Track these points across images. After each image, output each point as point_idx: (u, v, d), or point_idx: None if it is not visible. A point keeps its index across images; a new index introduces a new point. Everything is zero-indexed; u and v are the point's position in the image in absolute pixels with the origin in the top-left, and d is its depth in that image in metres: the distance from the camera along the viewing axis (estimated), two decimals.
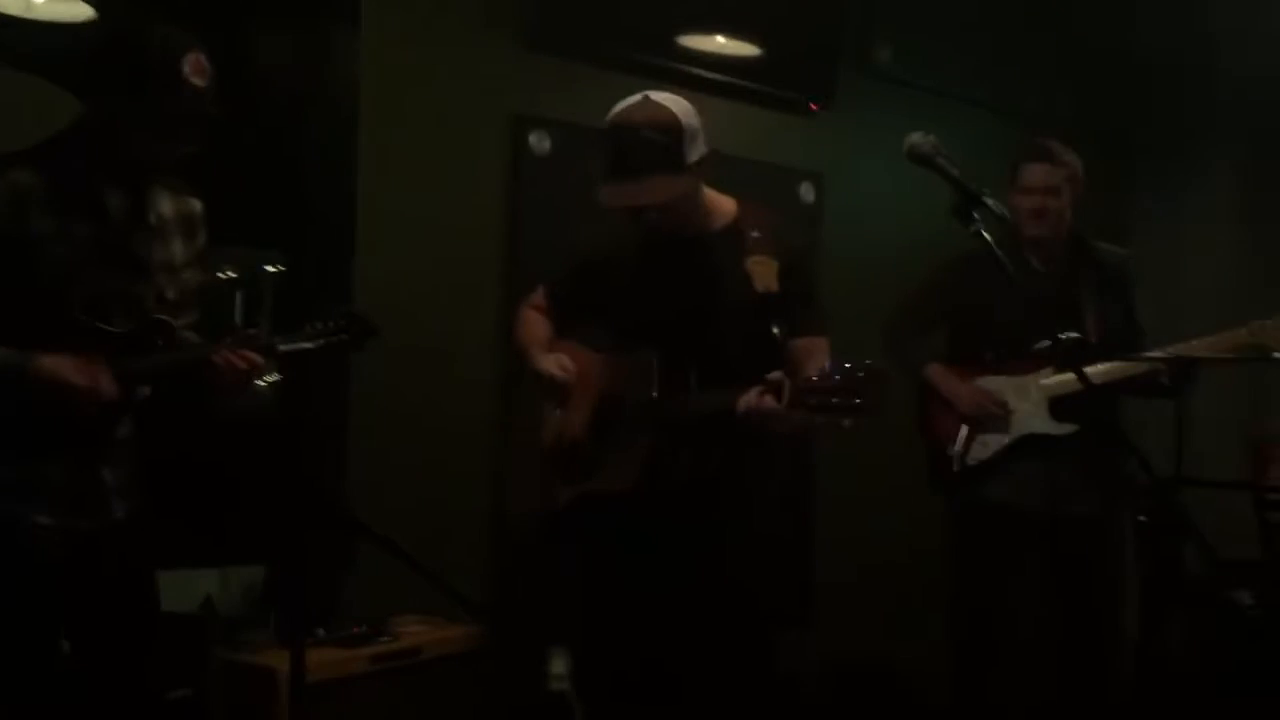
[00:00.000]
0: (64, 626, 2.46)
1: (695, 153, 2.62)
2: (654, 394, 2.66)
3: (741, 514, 2.77)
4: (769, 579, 2.89)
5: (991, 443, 3.47)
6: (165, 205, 2.51)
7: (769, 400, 2.42)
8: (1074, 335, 3.30)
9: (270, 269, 3.69)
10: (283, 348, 2.51)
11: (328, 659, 3.04)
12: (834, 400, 2.33)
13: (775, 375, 2.42)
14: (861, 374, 2.32)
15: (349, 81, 3.60)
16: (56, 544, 2.37)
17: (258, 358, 2.46)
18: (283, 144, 3.58)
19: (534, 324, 2.95)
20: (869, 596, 4.54)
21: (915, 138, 2.42)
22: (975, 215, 2.29)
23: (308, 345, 2.54)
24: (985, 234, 2.30)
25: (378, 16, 3.62)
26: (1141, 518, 2.89)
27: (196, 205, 2.58)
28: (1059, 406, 3.40)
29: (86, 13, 3.33)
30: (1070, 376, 3.32)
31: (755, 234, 2.69)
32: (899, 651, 4.41)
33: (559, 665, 3.68)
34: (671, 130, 2.57)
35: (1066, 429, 3.39)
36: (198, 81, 2.35)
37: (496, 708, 3.42)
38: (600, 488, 2.73)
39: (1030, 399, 3.43)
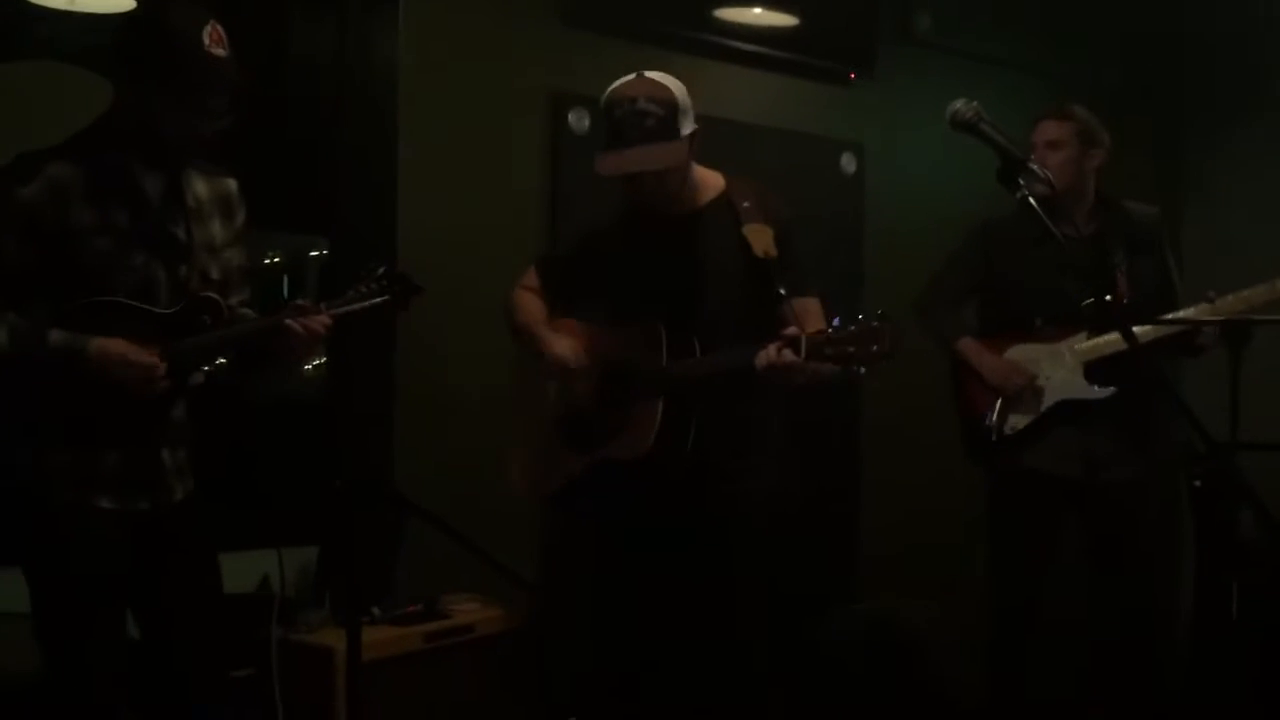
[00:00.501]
0: (132, 609, 2.50)
1: (687, 125, 2.72)
2: (663, 360, 2.72)
3: (755, 477, 2.82)
4: (789, 542, 2.93)
5: (1027, 411, 3.45)
6: (200, 187, 2.54)
7: (787, 354, 2.51)
8: (1107, 298, 3.26)
9: (314, 253, 3.74)
10: (331, 311, 2.53)
11: (382, 638, 3.08)
12: (850, 349, 2.46)
13: (791, 330, 2.54)
14: (875, 323, 2.46)
15: (388, 63, 3.62)
16: (118, 526, 2.41)
17: (322, 323, 2.48)
18: (324, 127, 3.61)
19: (529, 303, 3.00)
20: (915, 569, 4.53)
21: (958, 104, 2.40)
22: (1020, 180, 2.28)
23: (354, 307, 2.57)
24: (1030, 199, 2.29)
25: None
26: (1196, 483, 2.85)
27: (232, 184, 2.60)
28: (1094, 370, 3.37)
29: (127, 4, 3.37)
30: (1104, 340, 3.30)
31: (746, 204, 2.79)
32: (944, 623, 4.40)
33: None
34: (665, 102, 2.68)
35: (1103, 393, 3.36)
36: (218, 52, 2.37)
37: (548, 683, 3.45)
38: (614, 455, 2.77)
39: (1065, 364, 3.41)
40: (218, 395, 2.60)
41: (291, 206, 3.51)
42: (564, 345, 2.88)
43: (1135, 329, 3.17)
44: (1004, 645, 3.57)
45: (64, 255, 2.35)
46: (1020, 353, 3.47)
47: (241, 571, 3.14)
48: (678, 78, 2.80)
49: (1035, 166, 2.28)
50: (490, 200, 3.79)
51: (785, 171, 3.13)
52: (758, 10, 4.22)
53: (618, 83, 2.75)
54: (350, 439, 3.53)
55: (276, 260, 3.69)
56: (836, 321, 2.50)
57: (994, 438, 3.47)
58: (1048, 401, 3.43)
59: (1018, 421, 3.46)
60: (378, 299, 2.58)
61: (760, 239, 2.72)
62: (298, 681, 3.03)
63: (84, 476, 2.39)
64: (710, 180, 2.87)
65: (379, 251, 3.60)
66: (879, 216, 4.61)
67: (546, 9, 3.89)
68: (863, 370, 2.48)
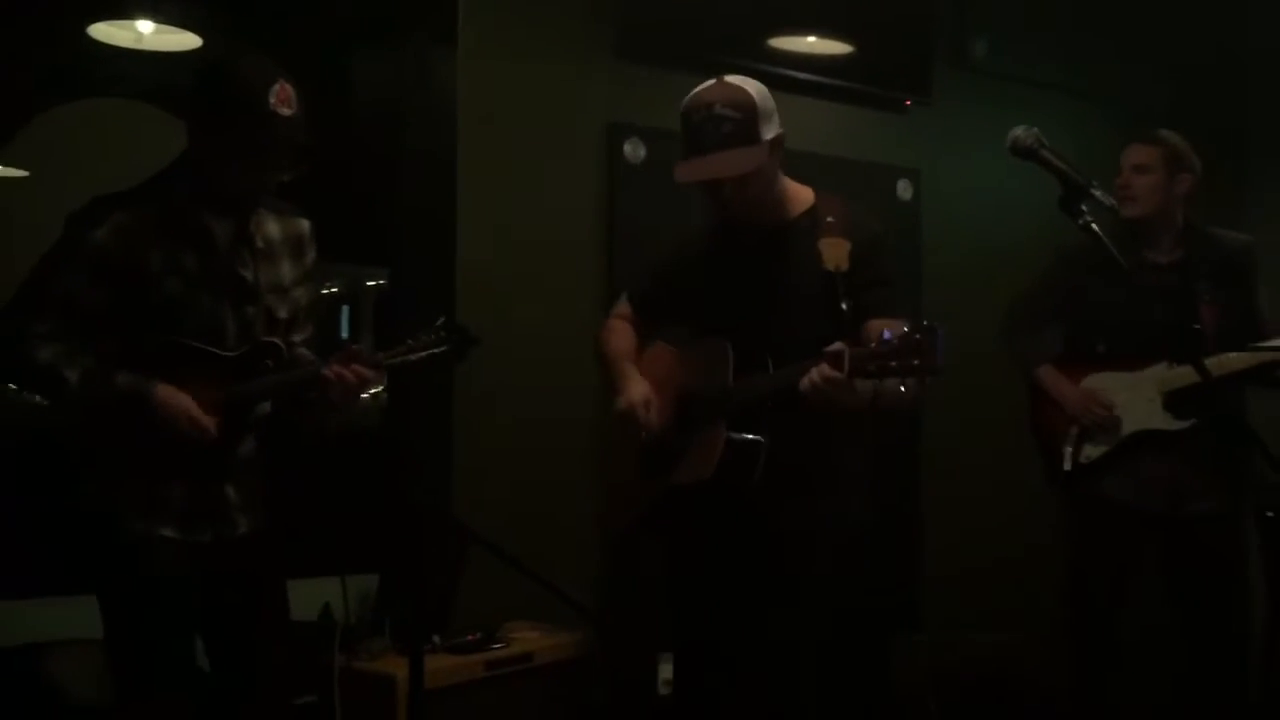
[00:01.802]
0: (202, 638, 2.54)
1: (769, 130, 2.63)
2: (729, 381, 2.64)
3: (821, 501, 2.72)
4: (856, 569, 2.83)
5: (1103, 442, 3.40)
6: (271, 228, 2.58)
7: (830, 372, 2.39)
8: (1195, 327, 3.21)
9: (372, 283, 3.78)
10: (387, 361, 2.56)
11: (443, 666, 3.09)
12: (892, 364, 2.31)
13: (834, 346, 2.40)
14: (917, 335, 2.29)
15: (447, 96, 3.67)
16: (181, 556, 2.45)
17: (366, 371, 2.51)
18: (384, 160, 3.66)
19: (620, 334, 2.94)
20: (979, 596, 4.48)
21: (1018, 131, 2.40)
22: (1083, 207, 2.26)
23: (410, 358, 2.58)
24: (1094, 225, 2.27)
25: (473, 32, 3.68)
26: (1269, 513, 2.80)
27: (304, 225, 2.65)
28: (1176, 401, 3.32)
29: (194, 42, 3.45)
30: (1186, 370, 3.22)
31: (830, 219, 2.70)
32: (1013, 653, 4.35)
33: (668, 670, 3.70)
34: (744, 105, 2.59)
35: (1183, 424, 3.31)
36: (285, 111, 2.40)
37: (608, 712, 3.44)
38: (679, 480, 2.72)
39: (1144, 394, 3.35)
40: (283, 425, 2.63)
41: (350, 237, 3.56)
42: (634, 391, 2.79)
43: (1219, 358, 3.14)
44: (1084, 676, 3.51)
45: (134, 297, 2.40)
46: (1099, 381, 3.43)
47: (304, 599, 3.16)
48: None
49: (1099, 193, 2.26)
50: (547, 231, 3.82)
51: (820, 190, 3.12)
52: (812, 39, 4.23)
53: (696, 89, 2.66)
54: (411, 467, 3.56)
55: (335, 290, 3.74)
56: (887, 335, 2.34)
57: (1068, 466, 3.43)
58: (1125, 431, 3.38)
59: (1093, 451, 3.41)
60: (434, 350, 2.59)
61: (834, 252, 2.62)
62: (360, 709, 3.04)
63: (149, 506, 2.44)
64: (801, 194, 2.78)
65: (437, 282, 3.65)
66: (935, 243, 4.59)
67: (602, 41, 3.92)
68: (903, 389, 2.33)
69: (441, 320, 2.63)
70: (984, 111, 4.48)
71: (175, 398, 2.40)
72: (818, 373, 2.40)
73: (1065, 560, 3.55)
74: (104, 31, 3.36)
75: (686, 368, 2.79)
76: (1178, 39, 5.09)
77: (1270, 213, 5.29)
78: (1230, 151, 5.44)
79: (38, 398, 2.60)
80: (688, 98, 2.67)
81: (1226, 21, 5.20)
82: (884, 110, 4.52)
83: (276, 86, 2.39)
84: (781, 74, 4.14)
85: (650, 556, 3.58)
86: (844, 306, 2.56)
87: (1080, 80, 4.90)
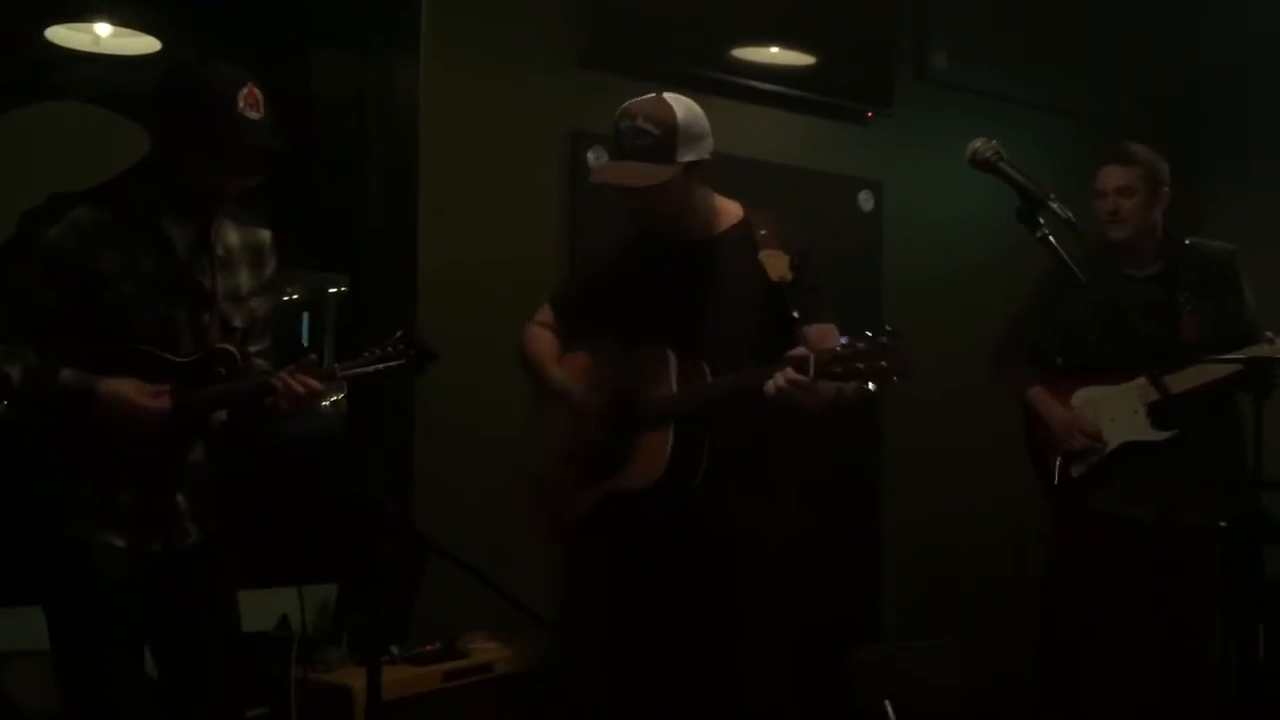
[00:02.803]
0: (151, 647, 2.51)
1: (689, 153, 2.67)
2: (672, 386, 2.70)
3: (766, 505, 2.77)
4: (803, 576, 2.87)
5: (1089, 459, 3.46)
6: (232, 236, 2.55)
7: (795, 375, 2.46)
8: (1178, 337, 3.26)
9: (334, 290, 3.76)
10: (343, 373, 2.55)
11: (401, 677, 3.07)
12: (860, 365, 2.39)
13: (798, 350, 2.48)
14: (884, 339, 2.39)
15: (409, 102, 3.65)
16: (130, 565, 2.42)
17: (315, 383, 2.48)
18: (345, 166, 3.64)
19: (541, 340, 2.98)
20: (940, 610, 4.50)
21: (977, 143, 2.41)
22: (1040, 219, 2.28)
23: (367, 369, 2.57)
24: (1051, 238, 2.29)
25: (436, 39, 3.67)
26: (1222, 523, 2.83)
27: (265, 235, 2.62)
28: (1160, 412, 3.35)
29: (153, 46, 3.41)
30: (1165, 380, 3.28)
31: (763, 232, 2.76)
32: (975, 666, 4.37)
33: None
34: (665, 124, 2.65)
35: (1165, 435, 3.35)
36: (252, 115, 2.38)
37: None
38: (624, 485, 2.74)
39: (1129, 406, 3.40)
40: (237, 433, 2.60)
41: (312, 243, 3.54)
42: (569, 382, 2.85)
43: (1194, 369, 3.21)
44: (1053, 688, 3.53)
45: (87, 298, 2.37)
46: (1088, 394, 3.48)
47: (260, 609, 3.13)
48: None
49: (1056, 205, 2.28)
50: (509, 238, 3.81)
51: (803, 209, 3.13)
52: (775, 49, 4.24)
53: (634, 99, 2.74)
54: (371, 476, 3.53)
55: (296, 297, 3.72)
56: (844, 340, 2.45)
57: (1055, 481, 3.48)
58: (1111, 445, 3.42)
59: (1080, 469, 3.48)
60: (392, 362, 2.57)
61: (776, 264, 2.70)
62: None
63: (98, 513, 2.40)
64: (728, 209, 2.85)
65: (398, 289, 3.63)
66: (896, 254, 4.61)
67: (565, 49, 3.92)
68: (872, 387, 2.42)
69: (400, 333, 2.61)
70: (945, 123, 4.51)
71: (120, 387, 2.35)
72: (783, 376, 2.46)
73: (1046, 571, 3.57)
74: (61, 34, 3.32)
75: (620, 374, 2.82)
76: (1137, 50, 5.15)
77: (1226, 223, 5.34)
78: (1189, 163, 5.50)
79: None
80: (625, 103, 2.73)
81: (1186, 33, 5.27)
82: (846, 121, 4.54)
83: (245, 89, 2.38)
84: (744, 84, 4.16)
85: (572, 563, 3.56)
86: (795, 314, 2.62)
87: (1040, 93, 4.94)
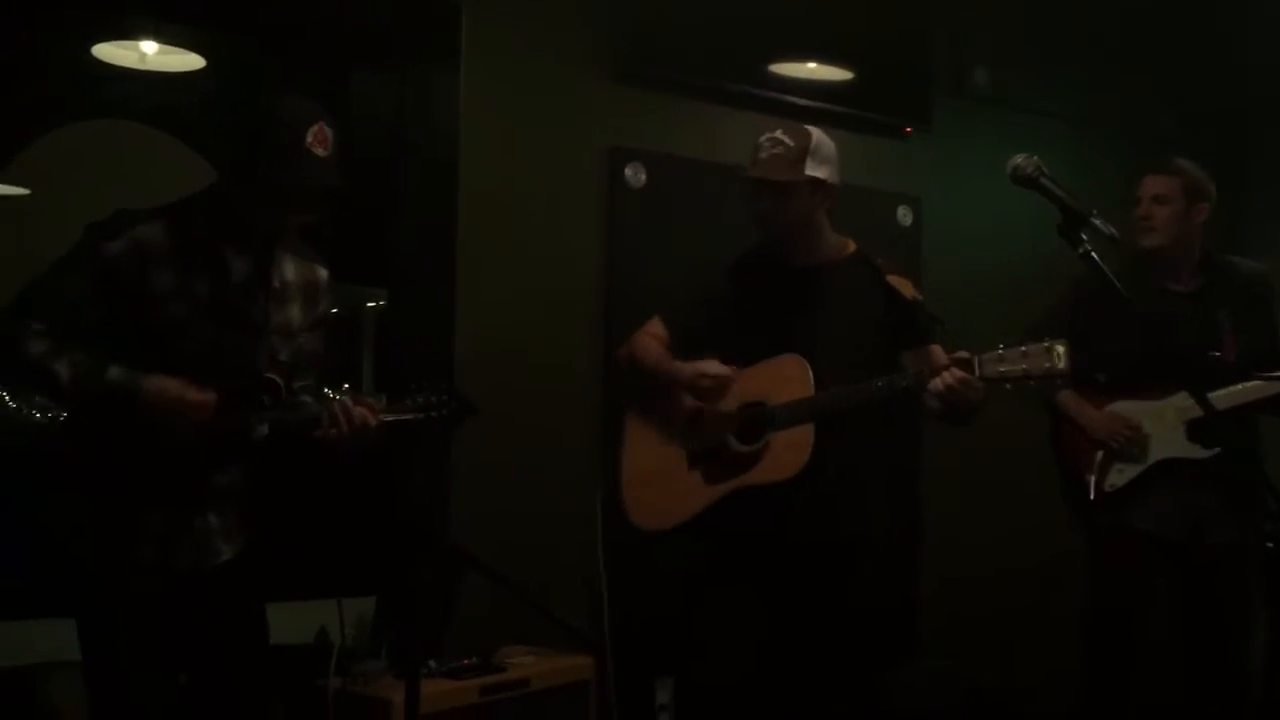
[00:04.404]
0: (183, 661, 2.52)
1: (818, 170, 2.95)
2: (810, 390, 2.87)
3: (875, 511, 2.99)
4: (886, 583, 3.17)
5: (1128, 469, 3.40)
6: (289, 270, 2.57)
7: (961, 374, 2.72)
8: (1214, 354, 3.23)
9: (372, 304, 3.78)
10: (385, 417, 2.55)
11: (438, 690, 3.07)
12: (1024, 367, 2.68)
13: (960, 353, 2.75)
14: (1047, 342, 2.67)
15: (449, 119, 3.67)
16: (158, 580, 2.44)
17: (366, 414, 2.49)
18: (386, 181, 3.67)
19: (651, 347, 3.10)
20: (977, 624, 4.46)
21: (1018, 159, 2.40)
22: (1083, 235, 2.26)
23: (408, 417, 2.60)
24: (1094, 254, 2.27)
25: (476, 56, 3.70)
26: (1270, 544, 2.79)
27: (322, 273, 2.63)
28: (1198, 429, 3.31)
29: (197, 63, 3.45)
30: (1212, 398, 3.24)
31: (881, 260, 3.00)
32: (1013, 680, 4.33)
33: (664, 695, 3.69)
34: (798, 140, 2.95)
35: (1208, 453, 3.30)
36: (320, 152, 2.41)
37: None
38: (759, 479, 2.90)
39: (1166, 423, 3.35)
40: (282, 447, 2.62)
41: (351, 257, 3.56)
42: (707, 365, 2.98)
43: (1228, 389, 3.18)
44: (1101, 702, 3.48)
45: (138, 315, 2.40)
46: (1122, 408, 3.42)
47: (299, 622, 3.15)
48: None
49: (1099, 221, 2.26)
50: (547, 253, 3.83)
51: (842, 225, 3.14)
52: (813, 65, 4.24)
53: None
54: (409, 490, 3.55)
55: (335, 311, 3.74)
56: (1002, 346, 2.72)
57: (1092, 495, 3.41)
58: (1151, 458, 3.37)
59: (1118, 478, 3.40)
60: (433, 413, 2.60)
61: (905, 286, 2.94)
62: None
63: (129, 530, 2.42)
64: (844, 242, 3.07)
65: (437, 303, 3.65)
66: (936, 270, 4.58)
67: (603, 67, 3.94)
68: (1032, 383, 2.68)
69: (445, 385, 2.65)
70: (984, 139, 4.50)
71: (167, 382, 2.36)
72: (951, 375, 2.73)
73: (1088, 589, 3.53)
74: (108, 52, 3.37)
75: (745, 381, 2.97)
76: (1178, 67, 5.11)
77: (1270, 242, 5.29)
78: (1230, 181, 5.45)
79: (32, 412, 2.59)
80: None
81: (1227, 50, 5.22)
82: (885, 137, 4.53)
83: (315, 127, 2.40)
84: (782, 100, 4.16)
85: (649, 582, 3.57)
86: (940, 326, 2.94)
87: (1081, 109, 4.92)
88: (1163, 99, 5.10)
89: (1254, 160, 5.44)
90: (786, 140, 2.94)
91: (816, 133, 2.99)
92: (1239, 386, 3.20)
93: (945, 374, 2.74)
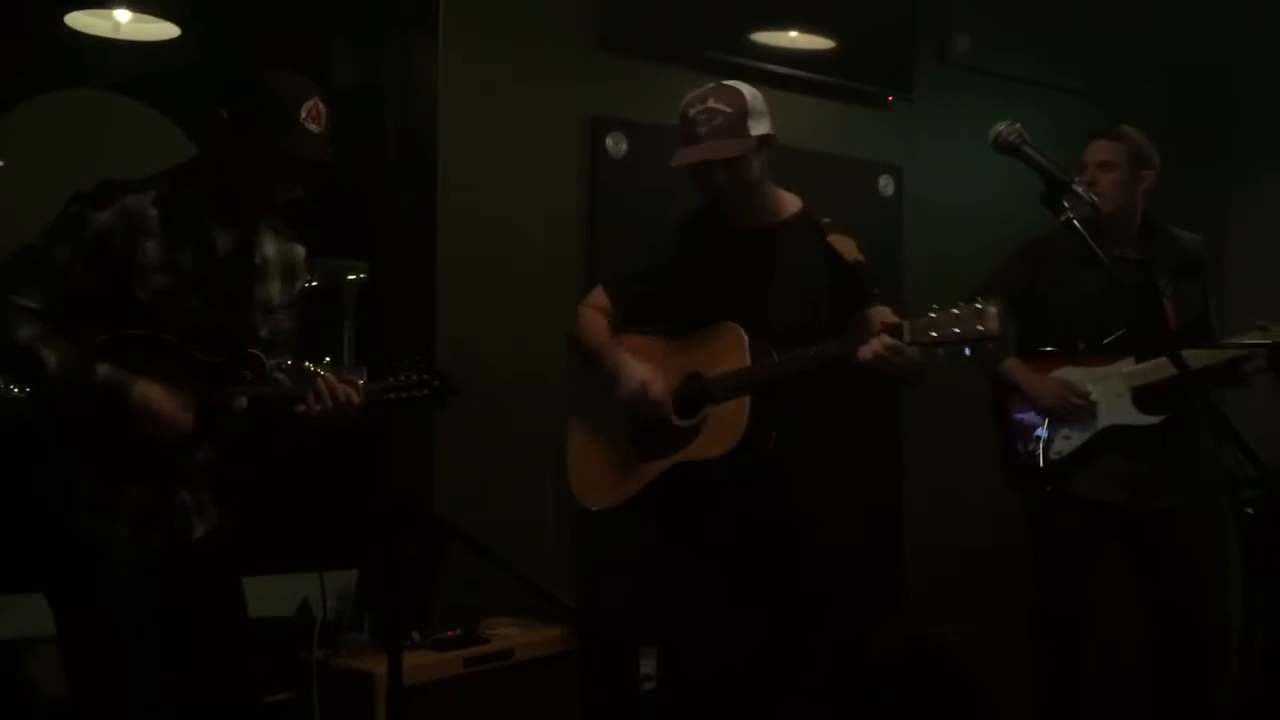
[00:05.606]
0: (161, 635, 2.51)
1: (759, 127, 2.82)
2: (746, 362, 2.79)
3: (826, 487, 2.91)
4: (853, 553, 3.01)
5: (1074, 436, 3.40)
6: (270, 247, 2.57)
7: (891, 340, 2.62)
8: (1162, 322, 3.23)
9: (352, 276, 3.76)
10: (367, 396, 2.56)
11: (422, 662, 3.08)
12: (956, 330, 2.55)
13: (891, 319, 2.65)
14: (979, 305, 2.55)
15: (427, 88, 3.64)
16: (135, 555, 2.43)
17: (350, 390, 2.51)
18: (364, 152, 3.64)
19: (597, 322, 3.03)
20: (957, 590, 4.49)
21: (1000, 127, 2.40)
22: (1065, 203, 2.27)
23: (390, 396, 2.61)
24: (1075, 221, 2.27)
25: (455, 25, 3.66)
26: (1248, 510, 2.81)
27: (299, 251, 2.64)
28: (1144, 396, 3.33)
29: (172, 32, 3.42)
30: (1153, 365, 3.26)
31: (826, 219, 2.89)
32: (989, 650, 4.36)
33: (649, 665, 3.69)
34: (734, 102, 2.81)
35: (1153, 420, 3.32)
36: (313, 127, 2.40)
37: (588, 708, 3.43)
38: (695, 455, 2.84)
39: (1113, 389, 3.36)
40: (256, 434, 2.62)
41: (331, 230, 3.53)
42: (642, 368, 2.90)
43: (1189, 353, 3.12)
44: (1050, 675, 3.51)
45: (124, 286, 2.38)
46: (1066, 374, 3.42)
47: (282, 595, 3.15)
48: None
49: (1080, 189, 2.27)
50: (528, 222, 3.81)
51: (823, 194, 3.13)
52: (795, 34, 4.22)
53: (694, 91, 2.87)
54: (391, 462, 3.54)
55: (314, 284, 3.71)
56: (935, 308, 2.59)
57: (1041, 463, 3.41)
58: (1099, 425, 3.37)
59: (1064, 446, 3.40)
60: (415, 393, 2.61)
61: (848, 247, 2.82)
62: (338, 706, 3.03)
63: (107, 505, 2.42)
64: (789, 200, 2.97)
65: (418, 275, 3.63)
66: (917, 238, 4.59)
67: (584, 34, 3.91)
68: (968, 352, 2.56)
69: (430, 364, 2.65)
70: (966, 107, 4.49)
71: (152, 394, 2.37)
72: (879, 342, 2.63)
73: (1032, 556, 3.55)
74: (81, 21, 3.33)
75: (685, 353, 2.91)
76: (1161, 34, 5.11)
77: (1252, 208, 5.32)
78: (1214, 147, 5.47)
79: (10, 387, 2.57)
80: (687, 96, 2.85)
81: (1211, 16, 5.22)
82: (866, 106, 4.51)
83: (310, 102, 2.40)
84: (764, 69, 4.13)
85: (630, 550, 3.57)
86: (876, 290, 2.78)
87: (1063, 76, 4.91)
88: (1146, 64, 5.09)
89: (1240, 127, 5.45)
90: (722, 108, 2.78)
91: (745, 87, 2.85)
92: (1204, 350, 3.20)
93: (874, 341, 2.64)
